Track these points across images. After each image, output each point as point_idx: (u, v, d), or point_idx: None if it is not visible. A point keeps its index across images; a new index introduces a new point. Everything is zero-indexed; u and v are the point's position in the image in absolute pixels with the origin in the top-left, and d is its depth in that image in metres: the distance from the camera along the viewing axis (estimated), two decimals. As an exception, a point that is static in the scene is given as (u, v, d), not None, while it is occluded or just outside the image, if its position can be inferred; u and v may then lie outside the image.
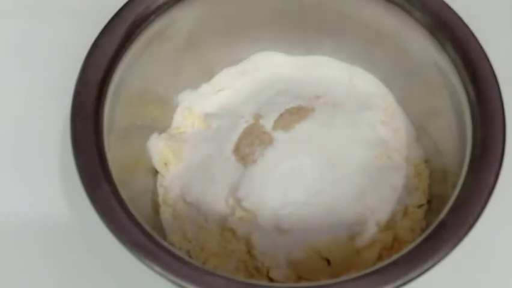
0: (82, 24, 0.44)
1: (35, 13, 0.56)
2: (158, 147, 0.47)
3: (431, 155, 0.47)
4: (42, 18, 0.55)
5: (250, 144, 0.45)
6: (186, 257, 0.36)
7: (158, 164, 0.47)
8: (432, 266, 0.35)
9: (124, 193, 0.37)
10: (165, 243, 0.36)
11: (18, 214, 0.48)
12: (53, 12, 0.55)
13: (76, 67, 0.40)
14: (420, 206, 0.45)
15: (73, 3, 0.55)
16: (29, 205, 0.49)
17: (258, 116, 0.47)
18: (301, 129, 0.46)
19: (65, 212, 0.48)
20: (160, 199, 0.47)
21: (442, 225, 0.36)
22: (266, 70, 0.51)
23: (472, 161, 0.38)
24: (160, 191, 0.47)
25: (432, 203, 0.45)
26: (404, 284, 0.34)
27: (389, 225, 0.44)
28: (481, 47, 0.40)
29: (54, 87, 0.51)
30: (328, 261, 0.44)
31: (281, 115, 0.46)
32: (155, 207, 0.47)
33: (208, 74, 0.51)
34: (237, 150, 0.46)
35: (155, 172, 0.48)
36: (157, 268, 0.35)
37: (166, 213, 0.46)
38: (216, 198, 0.45)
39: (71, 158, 0.37)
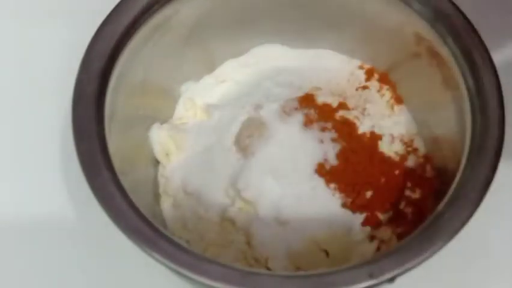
0: (81, 24, 0.44)
1: (34, 13, 0.56)
2: (160, 137, 0.47)
3: (431, 148, 0.47)
4: (41, 18, 0.55)
5: (250, 135, 0.46)
6: (186, 245, 0.36)
7: (159, 154, 0.47)
8: (429, 256, 0.35)
9: (125, 182, 0.37)
10: (165, 231, 0.36)
11: (19, 210, 0.48)
12: (52, 12, 0.55)
13: (74, 66, 0.40)
14: (420, 198, 0.45)
15: (73, 3, 0.55)
16: (30, 201, 0.49)
17: (258, 108, 0.47)
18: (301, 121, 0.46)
19: (66, 207, 0.48)
20: (161, 189, 0.47)
21: (439, 216, 0.36)
22: (268, 62, 0.51)
23: (470, 154, 0.38)
24: (161, 181, 0.48)
25: (433, 195, 0.45)
26: (401, 274, 0.34)
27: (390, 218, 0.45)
28: (481, 39, 0.40)
29: (54, 87, 0.51)
30: (327, 253, 0.44)
31: (282, 106, 0.47)
32: (156, 197, 0.47)
33: (210, 66, 0.51)
34: (237, 141, 0.46)
35: (157, 162, 0.48)
36: (156, 255, 0.35)
37: (166, 203, 0.47)
38: (216, 189, 0.45)
39: (71, 156, 0.38)
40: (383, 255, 0.35)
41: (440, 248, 0.35)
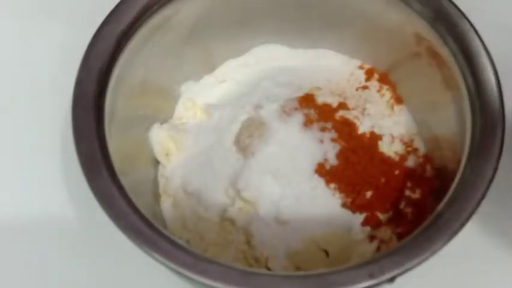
0: (81, 24, 0.44)
1: (34, 13, 0.55)
2: (160, 137, 0.47)
3: (431, 148, 0.47)
4: (41, 18, 0.55)
5: (250, 135, 0.46)
6: (185, 244, 0.36)
7: (159, 154, 0.47)
8: (429, 256, 0.35)
9: (125, 182, 0.37)
10: (164, 230, 0.36)
11: (19, 210, 0.48)
12: (52, 12, 0.55)
13: (74, 66, 0.40)
14: (420, 198, 0.45)
15: (73, 3, 0.55)
16: (30, 201, 0.49)
17: (258, 108, 0.47)
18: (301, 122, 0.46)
19: (66, 207, 0.48)
20: (161, 189, 0.47)
21: (439, 216, 0.36)
22: (268, 62, 0.51)
23: (470, 154, 0.38)
24: (161, 181, 0.48)
25: (433, 195, 0.45)
26: (401, 274, 0.34)
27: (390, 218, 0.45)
28: (481, 39, 0.40)
29: (54, 87, 0.51)
30: (326, 253, 0.44)
31: (282, 106, 0.47)
32: (156, 197, 0.47)
33: (210, 66, 0.51)
34: (237, 141, 0.46)
35: (157, 162, 0.48)
36: (156, 255, 0.35)
37: (166, 203, 0.47)
38: (216, 189, 0.45)
39: (71, 156, 0.38)
40: (383, 255, 0.35)
41: (440, 248, 0.35)
